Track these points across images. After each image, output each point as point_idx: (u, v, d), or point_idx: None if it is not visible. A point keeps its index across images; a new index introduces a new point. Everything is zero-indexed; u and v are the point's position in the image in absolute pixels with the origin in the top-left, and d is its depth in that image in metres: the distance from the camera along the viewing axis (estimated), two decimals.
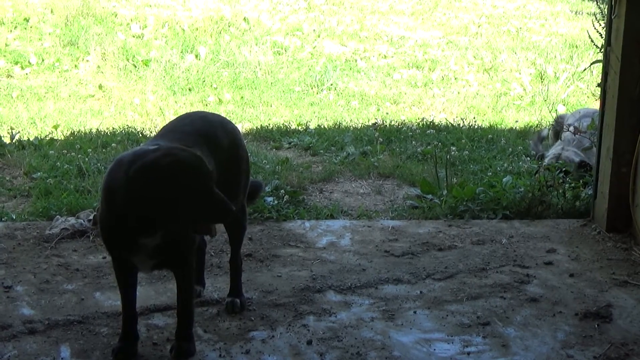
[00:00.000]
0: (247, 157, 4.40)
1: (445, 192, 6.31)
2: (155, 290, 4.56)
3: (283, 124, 8.74)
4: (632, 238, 5.49)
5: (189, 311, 3.89)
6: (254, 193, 4.64)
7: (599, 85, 5.82)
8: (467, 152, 7.70)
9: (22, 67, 10.45)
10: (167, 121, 8.56)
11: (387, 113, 9.46)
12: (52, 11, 12.18)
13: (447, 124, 8.91)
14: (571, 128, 6.87)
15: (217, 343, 4.05)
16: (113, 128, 8.34)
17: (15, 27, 11.72)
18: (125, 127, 8.39)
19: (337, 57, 11.80)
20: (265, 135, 8.34)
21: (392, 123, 8.86)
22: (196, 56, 11.19)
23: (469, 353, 4.06)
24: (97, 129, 8.25)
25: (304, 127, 8.64)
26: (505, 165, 7.30)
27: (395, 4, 15.82)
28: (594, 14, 6.25)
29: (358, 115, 9.32)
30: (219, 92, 10.02)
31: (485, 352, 4.08)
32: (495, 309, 4.51)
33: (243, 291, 4.47)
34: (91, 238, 5.26)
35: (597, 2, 6.81)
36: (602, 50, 5.69)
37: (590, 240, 5.57)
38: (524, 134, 8.66)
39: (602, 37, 5.77)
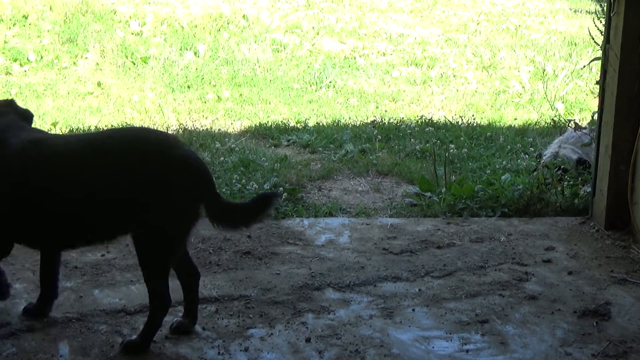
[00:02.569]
0: (176, 215, 3.80)
1: (443, 189, 6.31)
2: None
3: (282, 122, 8.74)
4: (631, 236, 5.49)
5: None
6: None
7: (597, 82, 5.82)
8: (465, 149, 7.70)
9: (20, 65, 10.45)
10: (166, 118, 8.68)
11: (385, 111, 9.45)
12: (51, 8, 12.16)
13: (445, 121, 8.90)
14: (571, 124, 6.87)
15: (215, 340, 4.05)
16: (112, 125, 8.34)
17: (14, 24, 11.71)
18: (124, 124, 8.39)
19: (335, 55, 11.80)
20: (264, 132, 8.34)
21: (391, 121, 8.86)
22: (195, 53, 11.19)
23: (467, 351, 4.07)
24: (96, 126, 8.24)
25: (303, 125, 8.64)
26: (504, 163, 7.30)
27: (394, 1, 15.83)
28: (595, 12, 6.24)
29: (357, 112, 9.32)
30: (218, 89, 10.01)
31: (484, 349, 4.09)
32: (494, 307, 4.51)
33: (242, 288, 4.46)
34: None
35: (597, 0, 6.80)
36: (602, 47, 5.69)
37: (588, 238, 5.57)
38: (522, 132, 8.66)
39: (602, 35, 5.76)
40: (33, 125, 4.32)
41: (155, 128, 7.96)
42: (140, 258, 3.85)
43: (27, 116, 4.26)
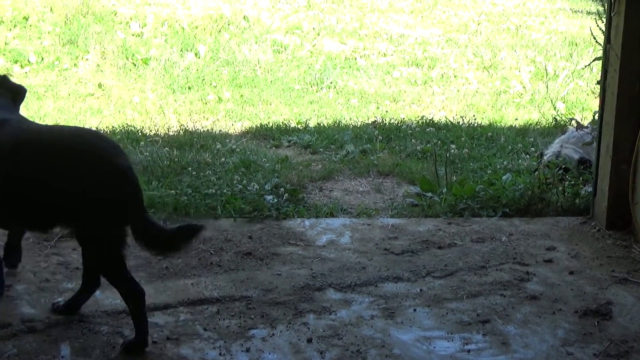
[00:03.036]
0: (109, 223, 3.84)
1: (445, 190, 6.31)
2: (155, 288, 4.55)
3: (283, 122, 8.74)
4: (632, 235, 5.48)
5: None
6: None
7: (598, 82, 5.81)
8: (466, 150, 7.70)
9: (21, 66, 10.45)
10: (167, 119, 8.68)
11: (386, 111, 9.45)
12: (51, 10, 12.17)
13: (446, 122, 8.90)
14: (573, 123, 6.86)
15: (217, 341, 4.05)
16: (112, 127, 8.34)
17: (15, 26, 11.71)
18: (125, 125, 8.39)
19: (336, 56, 11.79)
20: (264, 133, 8.34)
21: (392, 121, 8.86)
22: (196, 54, 11.18)
23: (469, 351, 4.07)
24: (97, 128, 8.24)
25: (304, 126, 8.64)
26: (505, 163, 7.30)
27: (394, 2, 15.83)
28: (597, 11, 6.24)
29: (357, 113, 9.32)
30: (219, 90, 10.02)
31: (485, 349, 4.09)
32: (495, 307, 4.51)
33: (243, 289, 4.45)
34: None
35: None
36: (603, 47, 5.69)
37: (590, 238, 5.57)
38: (523, 132, 8.66)
39: (603, 34, 5.76)
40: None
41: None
42: (88, 259, 4.05)
43: (19, 91, 4.33)
